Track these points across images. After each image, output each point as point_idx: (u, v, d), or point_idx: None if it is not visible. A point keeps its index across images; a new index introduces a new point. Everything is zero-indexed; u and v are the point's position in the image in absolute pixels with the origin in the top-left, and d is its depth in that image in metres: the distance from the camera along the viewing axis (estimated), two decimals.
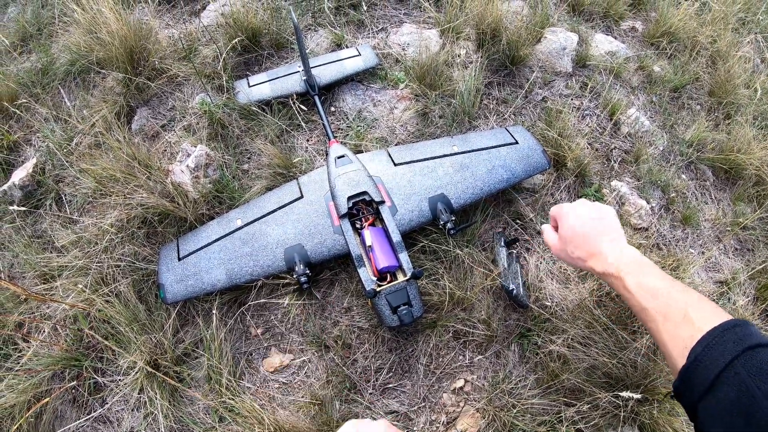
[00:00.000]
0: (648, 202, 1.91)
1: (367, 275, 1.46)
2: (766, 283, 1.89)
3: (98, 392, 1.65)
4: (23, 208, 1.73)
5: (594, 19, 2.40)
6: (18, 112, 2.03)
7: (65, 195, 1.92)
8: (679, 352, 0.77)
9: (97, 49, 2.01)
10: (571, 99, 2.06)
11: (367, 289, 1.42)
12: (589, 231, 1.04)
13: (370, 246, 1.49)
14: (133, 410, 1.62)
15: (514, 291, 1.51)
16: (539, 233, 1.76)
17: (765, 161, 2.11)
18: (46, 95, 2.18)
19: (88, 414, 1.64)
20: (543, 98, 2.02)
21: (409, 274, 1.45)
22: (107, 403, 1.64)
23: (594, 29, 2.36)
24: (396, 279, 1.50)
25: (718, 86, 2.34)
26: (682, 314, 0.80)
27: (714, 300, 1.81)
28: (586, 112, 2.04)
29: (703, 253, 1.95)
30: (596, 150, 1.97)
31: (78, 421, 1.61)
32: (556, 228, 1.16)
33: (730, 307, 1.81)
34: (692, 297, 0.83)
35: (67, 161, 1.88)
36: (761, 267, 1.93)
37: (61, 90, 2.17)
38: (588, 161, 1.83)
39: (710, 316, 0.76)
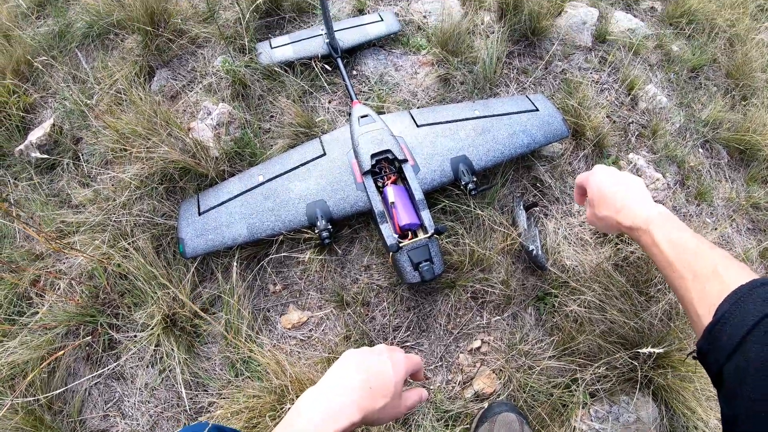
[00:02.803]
0: (664, 176, 1.94)
1: (389, 231, 1.48)
2: None
3: (113, 349, 1.66)
4: (46, 156, 1.74)
5: None
6: (40, 68, 2.04)
7: (83, 154, 1.93)
8: (706, 309, 0.75)
9: (117, 10, 2.04)
10: (591, 72, 2.08)
11: (389, 243, 1.44)
12: (616, 189, 1.06)
13: (392, 203, 1.51)
14: (147, 366, 1.63)
15: (534, 251, 1.53)
16: (557, 200, 1.78)
17: None
18: (64, 58, 2.20)
19: (101, 371, 1.66)
20: (563, 70, 2.05)
21: (431, 230, 1.47)
22: (121, 359, 1.65)
23: (614, 6, 2.39)
24: (416, 235, 1.52)
25: (735, 68, 2.37)
26: (711, 270, 0.78)
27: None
28: (604, 86, 2.07)
29: (715, 229, 1.98)
30: (614, 122, 2.00)
31: (90, 376, 1.61)
32: (583, 196, 1.18)
33: None
34: (721, 254, 0.82)
35: (86, 119, 1.89)
36: None
37: (78, 53, 2.18)
38: (606, 132, 1.85)
39: (739, 274, 0.74)
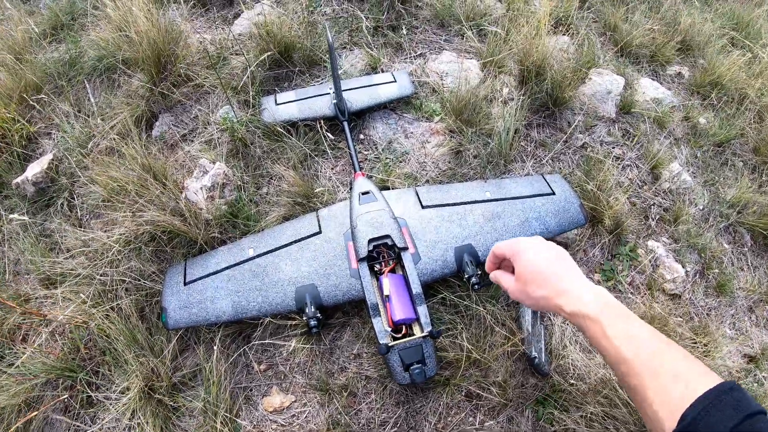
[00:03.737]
0: (683, 266, 1.73)
1: (381, 326, 1.31)
2: None
3: (91, 406, 1.52)
4: (24, 218, 1.60)
5: (641, 61, 2.21)
6: (46, 97, 1.89)
7: (78, 197, 1.78)
8: (667, 413, 0.68)
9: (124, 48, 1.88)
10: (613, 147, 1.87)
11: (380, 343, 1.27)
12: (554, 268, 0.92)
13: (387, 296, 1.33)
14: (124, 429, 1.49)
15: (536, 360, 1.34)
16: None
17: None
18: (71, 88, 2.05)
19: (78, 427, 1.52)
20: (583, 144, 1.84)
21: (426, 331, 1.29)
22: (99, 420, 1.51)
23: (640, 72, 2.17)
24: (412, 331, 1.34)
25: (764, 144, 2.14)
26: (673, 372, 0.71)
27: (739, 379, 1.64)
28: (627, 162, 1.86)
29: (733, 324, 1.77)
30: (634, 205, 1.79)
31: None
32: (499, 267, 1.04)
33: (762, 391, 1.63)
34: (682, 354, 0.75)
35: (80, 164, 1.74)
36: None
37: (87, 85, 2.04)
38: (626, 216, 1.65)
39: (703, 377, 0.69)
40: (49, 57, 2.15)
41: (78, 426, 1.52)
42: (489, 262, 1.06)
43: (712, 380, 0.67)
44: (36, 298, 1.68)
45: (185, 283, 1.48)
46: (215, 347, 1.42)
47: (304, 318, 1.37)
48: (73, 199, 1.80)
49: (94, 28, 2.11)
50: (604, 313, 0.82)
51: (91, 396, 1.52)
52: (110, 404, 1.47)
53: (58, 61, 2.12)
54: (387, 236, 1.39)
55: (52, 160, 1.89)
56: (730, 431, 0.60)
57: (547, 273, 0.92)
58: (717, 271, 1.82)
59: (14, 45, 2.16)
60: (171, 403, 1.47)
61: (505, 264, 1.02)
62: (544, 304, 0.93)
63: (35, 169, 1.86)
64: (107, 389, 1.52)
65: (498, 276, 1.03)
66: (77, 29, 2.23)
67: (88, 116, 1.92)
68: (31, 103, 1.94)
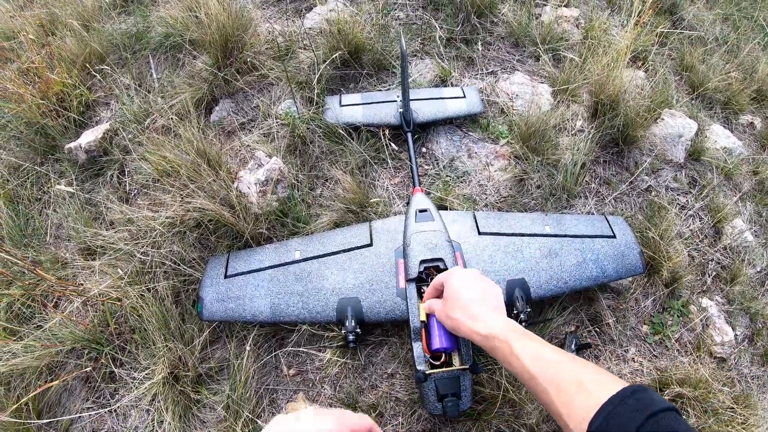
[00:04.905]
0: (733, 330, 1.60)
1: (420, 351, 1.21)
2: None
3: (113, 382, 1.47)
4: (71, 189, 1.54)
5: (714, 107, 2.06)
6: (108, 68, 1.84)
7: (128, 171, 1.72)
8: (576, 423, 0.68)
9: (192, 28, 1.81)
10: (678, 194, 1.74)
11: (418, 369, 1.17)
12: (472, 295, 0.99)
13: (423, 321, 1.23)
14: (142, 411, 1.43)
15: None
16: (612, 341, 1.46)
17: None
18: (135, 62, 2.00)
19: (97, 398, 1.47)
20: (648, 187, 1.71)
21: (467, 363, 1.18)
22: (118, 397, 1.46)
23: (712, 118, 2.02)
24: (451, 360, 1.24)
25: None
26: (576, 383, 0.71)
27: None
28: (690, 212, 1.72)
29: None
30: (693, 259, 1.65)
31: (87, 403, 1.45)
32: (437, 297, 1.10)
33: None
34: (588, 368, 0.75)
35: (134, 139, 1.68)
36: None
37: (151, 60, 1.98)
38: (685, 275, 1.52)
39: (607, 385, 0.68)
40: (116, 28, 2.10)
41: (96, 399, 1.48)
42: (428, 292, 1.13)
43: (616, 386, 0.66)
44: (73, 266, 1.63)
45: (226, 276, 1.41)
46: (247, 346, 1.34)
47: (343, 331, 1.28)
48: (124, 173, 1.75)
49: (164, 4, 2.05)
50: (511, 334, 0.86)
51: (114, 372, 1.47)
52: (133, 384, 1.42)
53: (124, 33, 2.07)
54: (440, 259, 1.28)
55: (108, 130, 1.83)
56: None
57: (466, 299, 0.98)
58: (767, 338, 1.68)
59: (83, 12, 2.12)
60: (193, 394, 1.40)
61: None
62: (458, 326, 0.97)
63: (89, 137, 1.81)
64: (132, 368, 1.47)
65: (430, 303, 1.11)
66: (147, 3, 2.17)
67: (149, 92, 1.86)
68: (92, 72, 1.89)
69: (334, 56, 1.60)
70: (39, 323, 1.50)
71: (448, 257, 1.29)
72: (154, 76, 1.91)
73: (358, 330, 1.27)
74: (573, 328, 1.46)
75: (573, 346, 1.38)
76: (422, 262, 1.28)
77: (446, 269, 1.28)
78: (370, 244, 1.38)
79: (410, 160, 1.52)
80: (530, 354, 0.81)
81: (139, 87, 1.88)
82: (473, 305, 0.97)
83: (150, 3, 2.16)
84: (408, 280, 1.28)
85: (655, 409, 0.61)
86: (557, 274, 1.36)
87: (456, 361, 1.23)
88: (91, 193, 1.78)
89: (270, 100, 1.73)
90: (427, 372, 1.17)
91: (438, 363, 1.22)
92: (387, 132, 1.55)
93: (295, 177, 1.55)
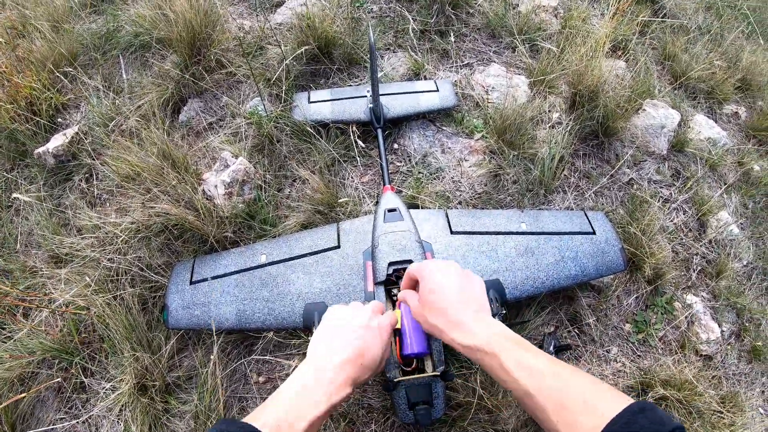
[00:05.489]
0: (720, 326, 1.53)
1: (392, 357, 1.14)
2: None
3: (84, 392, 1.41)
4: (28, 198, 1.47)
5: (697, 96, 1.98)
6: (73, 71, 1.76)
7: (95, 176, 1.65)
8: None
9: (160, 26, 1.73)
10: (661, 187, 1.66)
11: (387, 378, 1.10)
12: (452, 298, 0.86)
13: (397, 329, 1.16)
14: (113, 422, 1.37)
15: None
16: (593, 341, 1.40)
17: None
18: (105, 62, 1.92)
19: (69, 409, 1.41)
20: (630, 180, 1.64)
21: (438, 370, 1.11)
22: (90, 407, 1.41)
23: (696, 108, 1.94)
24: (423, 366, 1.17)
25: None
26: (581, 400, 0.64)
27: None
28: (673, 205, 1.64)
29: (762, 392, 1.56)
30: (677, 254, 1.58)
31: (59, 414, 1.40)
32: (413, 288, 0.99)
33: None
34: (586, 380, 0.68)
35: (101, 142, 1.61)
36: None
37: (121, 60, 1.90)
38: (668, 271, 1.45)
39: (612, 401, 0.62)
40: (86, 28, 2.02)
41: (69, 410, 1.42)
42: (404, 282, 1.01)
43: (622, 402, 0.61)
44: (42, 275, 1.56)
45: (191, 282, 1.34)
46: (212, 355, 1.27)
47: (310, 338, 1.21)
48: (92, 177, 1.67)
49: (134, 3, 1.97)
50: (499, 344, 0.76)
51: (84, 382, 1.41)
52: (104, 394, 1.36)
53: (94, 33, 1.99)
54: (409, 261, 1.21)
55: (77, 134, 1.76)
56: None
57: (445, 303, 0.85)
58: (754, 333, 1.61)
59: (54, 12, 2.04)
60: (162, 403, 1.34)
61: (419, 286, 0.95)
62: (438, 335, 0.86)
63: (58, 141, 1.73)
64: (102, 378, 1.40)
65: (405, 294, 0.98)
66: (118, 2, 2.09)
67: (118, 93, 1.79)
68: (58, 75, 1.81)
69: (299, 51, 1.52)
70: (9, 334, 1.44)
71: (417, 258, 1.22)
72: (124, 77, 1.84)
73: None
74: (552, 329, 1.39)
75: (552, 348, 1.31)
76: (391, 264, 1.21)
77: None
78: (338, 246, 1.31)
79: (380, 157, 1.44)
80: (523, 367, 0.72)
81: (108, 89, 1.81)
82: (453, 309, 0.85)
83: (121, 2, 2.07)
84: (376, 284, 1.21)
85: (669, 429, 0.56)
86: (534, 273, 1.29)
87: (428, 366, 1.16)
88: (60, 198, 1.71)
89: (239, 99, 1.65)
90: (395, 380, 1.10)
91: (410, 369, 1.15)
92: (356, 129, 1.47)
93: (263, 177, 1.48)
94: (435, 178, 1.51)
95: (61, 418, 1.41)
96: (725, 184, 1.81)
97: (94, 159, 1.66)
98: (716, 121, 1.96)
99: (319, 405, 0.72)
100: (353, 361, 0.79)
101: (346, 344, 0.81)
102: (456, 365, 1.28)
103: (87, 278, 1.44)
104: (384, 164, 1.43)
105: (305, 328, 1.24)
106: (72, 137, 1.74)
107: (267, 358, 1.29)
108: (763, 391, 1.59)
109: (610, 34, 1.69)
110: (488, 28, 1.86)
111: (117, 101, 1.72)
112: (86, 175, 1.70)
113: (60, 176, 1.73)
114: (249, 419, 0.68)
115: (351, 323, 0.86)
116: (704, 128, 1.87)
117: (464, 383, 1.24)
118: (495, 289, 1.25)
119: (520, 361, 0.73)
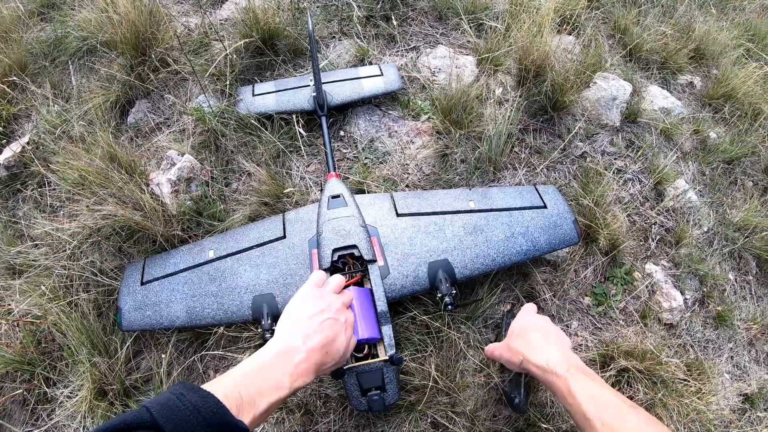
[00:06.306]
0: (682, 294, 1.50)
1: None
2: None
3: (48, 402, 1.38)
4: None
5: (650, 68, 1.96)
6: (9, 89, 1.71)
7: (47, 184, 1.61)
8: None
9: (105, 29, 1.68)
10: (615, 159, 1.64)
11: None
12: (539, 331, 1.00)
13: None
14: (75, 429, 1.34)
15: (516, 400, 1.13)
16: (552, 317, 1.37)
17: None
18: (54, 69, 1.87)
19: (35, 420, 1.38)
20: (582, 153, 1.61)
21: (388, 355, 1.08)
22: (55, 416, 1.37)
23: (649, 79, 1.92)
24: (376, 352, 1.14)
25: None
26: None
27: (731, 423, 1.41)
28: (629, 176, 1.62)
29: (731, 357, 1.54)
30: (634, 223, 1.56)
31: (26, 426, 1.37)
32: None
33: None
34: (644, 416, 0.75)
35: (51, 150, 1.56)
36: None
37: (71, 66, 1.85)
38: (623, 234, 1.42)
39: None
40: (35, 37, 1.97)
41: (35, 422, 1.39)
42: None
43: None
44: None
45: (142, 283, 1.31)
46: (164, 356, 1.24)
47: (260, 330, 1.19)
48: (44, 186, 1.63)
49: (83, 7, 1.92)
50: (570, 371, 0.84)
51: (47, 392, 1.37)
52: (64, 402, 1.33)
53: (43, 41, 1.94)
54: (354, 246, 1.18)
55: (28, 143, 1.71)
56: None
57: (529, 331, 0.99)
58: (718, 300, 1.59)
59: (1, 23, 1.98)
60: (123, 407, 1.31)
61: None
62: (519, 357, 0.96)
63: (8, 152, 1.69)
64: (63, 386, 1.37)
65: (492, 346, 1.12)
66: (67, 8, 2.03)
67: (67, 100, 1.74)
68: (3, 86, 1.76)
69: (239, 43, 1.48)
70: None
71: (362, 243, 1.19)
72: (74, 82, 1.79)
73: (274, 327, 1.17)
74: (509, 307, 1.36)
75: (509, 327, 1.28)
76: (335, 250, 1.18)
77: (361, 256, 1.18)
78: (284, 237, 1.27)
79: (324, 145, 1.40)
80: (588, 394, 0.79)
81: (56, 96, 1.76)
82: (533, 337, 0.98)
83: (70, 8, 2.02)
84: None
85: None
86: (483, 251, 1.26)
87: (381, 352, 1.13)
88: (14, 210, 1.67)
89: (185, 97, 1.61)
90: (345, 366, 1.07)
91: (361, 355, 1.12)
92: (300, 118, 1.43)
93: (210, 174, 1.44)
94: (382, 163, 1.48)
95: (29, 431, 1.38)
96: (681, 153, 1.78)
97: (44, 168, 1.61)
98: (671, 92, 1.93)
99: (282, 387, 0.71)
100: (321, 349, 0.80)
101: (317, 331, 0.81)
102: (410, 349, 1.25)
103: (42, 287, 1.41)
104: (328, 152, 1.39)
105: (254, 320, 1.20)
106: (23, 147, 1.69)
107: (220, 353, 1.26)
108: (731, 357, 1.57)
109: (558, 8, 1.66)
110: (435, 11, 1.82)
111: (65, 108, 1.67)
112: (38, 184, 1.65)
113: (13, 187, 1.69)
114: (208, 387, 0.65)
115: (324, 312, 0.86)
116: (658, 98, 1.84)
117: (419, 367, 1.22)
118: (444, 269, 1.22)
119: (587, 389, 0.80)
